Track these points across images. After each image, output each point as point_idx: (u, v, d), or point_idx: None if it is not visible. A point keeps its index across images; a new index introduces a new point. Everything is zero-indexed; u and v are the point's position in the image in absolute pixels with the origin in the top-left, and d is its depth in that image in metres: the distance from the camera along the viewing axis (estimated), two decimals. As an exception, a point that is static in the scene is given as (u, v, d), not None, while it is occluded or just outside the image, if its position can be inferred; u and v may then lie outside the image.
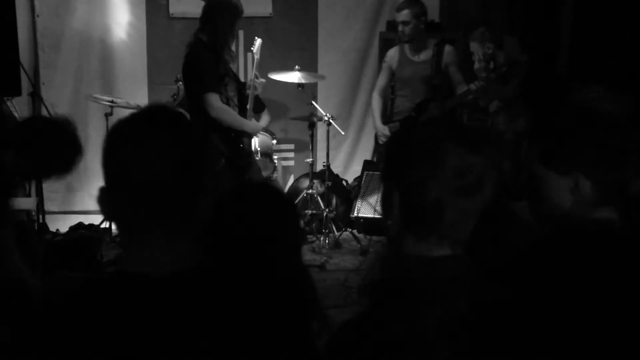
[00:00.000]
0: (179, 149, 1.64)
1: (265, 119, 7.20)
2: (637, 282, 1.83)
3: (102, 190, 1.63)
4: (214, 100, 5.30)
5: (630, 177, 1.95)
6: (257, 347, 1.67)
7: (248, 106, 5.75)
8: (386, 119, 6.51)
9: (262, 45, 6.13)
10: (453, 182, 1.67)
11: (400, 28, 6.38)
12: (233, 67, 5.75)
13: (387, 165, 1.83)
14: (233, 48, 5.79)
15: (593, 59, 6.45)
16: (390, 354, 1.66)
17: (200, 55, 5.35)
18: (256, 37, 6.13)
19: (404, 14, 6.30)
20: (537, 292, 1.83)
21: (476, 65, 6.38)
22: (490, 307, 1.71)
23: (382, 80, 6.68)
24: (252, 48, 6.08)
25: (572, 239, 1.92)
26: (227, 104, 5.44)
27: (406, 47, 6.39)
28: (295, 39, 7.62)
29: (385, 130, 6.38)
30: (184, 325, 1.61)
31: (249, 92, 5.79)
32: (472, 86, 6.05)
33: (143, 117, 1.71)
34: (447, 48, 6.36)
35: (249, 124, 5.70)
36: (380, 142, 6.50)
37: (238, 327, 1.66)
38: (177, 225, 1.66)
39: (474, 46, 6.37)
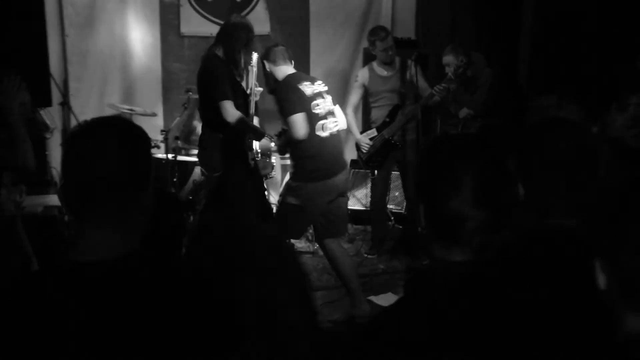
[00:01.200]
0: (120, 149, 1.69)
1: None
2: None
3: (60, 186, 1.86)
4: (230, 107, 5.31)
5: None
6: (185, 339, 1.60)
7: (251, 112, 5.89)
8: (364, 127, 6.73)
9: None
10: (472, 198, 1.69)
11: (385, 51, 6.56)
12: (243, 80, 5.81)
13: (416, 179, 1.86)
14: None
15: (550, 71, 6.86)
16: (410, 347, 1.67)
17: (216, 67, 5.37)
18: (254, 53, 6.22)
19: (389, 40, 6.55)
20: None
21: (449, 76, 6.54)
22: (496, 308, 1.71)
23: (354, 98, 6.82)
24: (251, 62, 6.18)
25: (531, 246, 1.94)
26: (238, 110, 5.49)
27: (374, 65, 6.61)
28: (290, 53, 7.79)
29: (365, 139, 6.58)
30: (115, 311, 1.59)
31: (251, 99, 5.91)
32: (436, 88, 6.26)
33: (89, 124, 1.76)
34: (410, 63, 6.49)
35: (258, 128, 5.85)
36: (363, 150, 6.63)
37: (168, 318, 1.59)
38: (116, 218, 1.69)
39: (449, 59, 6.56)
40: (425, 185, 1.80)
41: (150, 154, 1.83)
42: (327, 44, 8.13)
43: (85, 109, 7.33)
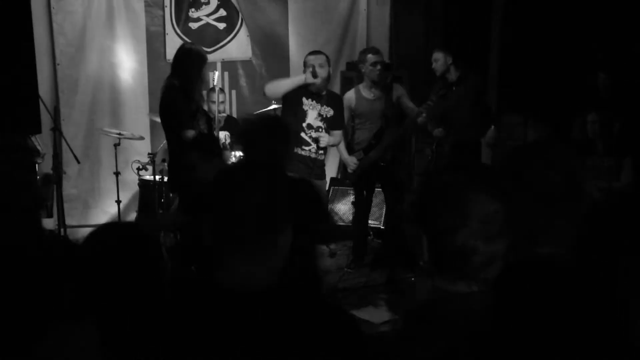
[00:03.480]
0: (266, 192, 1.66)
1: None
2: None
3: (207, 218, 1.69)
4: (191, 135, 5.19)
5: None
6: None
7: (216, 133, 5.77)
8: (349, 149, 6.45)
9: (244, 82, 6.23)
10: (479, 230, 1.57)
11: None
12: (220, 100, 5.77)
13: (416, 211, 1.72)
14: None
15: (518, 89, 6.70)
16: None
17: (174, 97, 5.25)
18: (214, 71, 6.19)
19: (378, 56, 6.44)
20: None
21: (438, 71, 6.58)
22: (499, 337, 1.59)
23: None
24: (212, 81, 6.11)
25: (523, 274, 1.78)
26: (201, 135, 5.34)
27: (361, 88, 6.39)
28: (271, 77, 7.48)
29: (353, 160, 6.33)
30: (272, 340, 1.58)
31: (214, 121, 5.83)
32: (420, 109, 6.16)
33: (240, 166, 1.82)
34: (395, 85, 6.38)
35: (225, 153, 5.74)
36: (350, 170, 6.41)
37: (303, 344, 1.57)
38: (258, 255, 1.66)
39: (439, 55, 6.54)
40: (429, 218, 1.66)
41: (292, 199, 1.78)
42: None
43: (77, 134, 7.27)
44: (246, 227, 1.63)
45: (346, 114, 6.38)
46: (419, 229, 1.70)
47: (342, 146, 6.34)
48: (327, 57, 5.62)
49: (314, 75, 5.44)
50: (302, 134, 5.56)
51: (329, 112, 5.62)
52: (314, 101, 5.57)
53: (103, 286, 1.99)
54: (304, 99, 5.54)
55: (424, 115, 6.22)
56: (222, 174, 1.74)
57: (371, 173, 6.38)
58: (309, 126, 5.59)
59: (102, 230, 2.09)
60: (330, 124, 5.67)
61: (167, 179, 5.92)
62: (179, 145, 5.24)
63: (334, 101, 5.72)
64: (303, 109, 5.55)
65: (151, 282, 1.99)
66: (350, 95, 6.47)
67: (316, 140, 5.57)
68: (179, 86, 5.30)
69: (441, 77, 6.65)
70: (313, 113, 5.57)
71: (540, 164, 1.87)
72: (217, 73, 6.25)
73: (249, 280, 1.63)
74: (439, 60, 6.61)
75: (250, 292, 1.61)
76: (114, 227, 2.20)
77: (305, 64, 5.59)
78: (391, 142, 6.30)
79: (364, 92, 6.41)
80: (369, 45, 7.95)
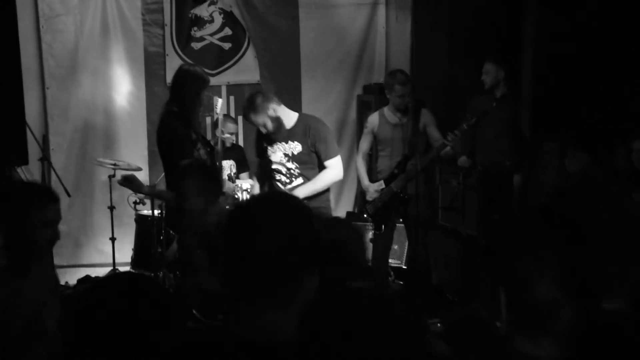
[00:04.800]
0: (288, 231, 1.65)
1: (246, 180, 6.93)
2: None
3: (219, 261, 1.66)
4: None
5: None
6: None
7: (217, 162, 5.68)
8: (370, 177, 6.29)
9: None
10: (567, 280, 1.50)
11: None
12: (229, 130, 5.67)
13: (491, 264, 1.65)
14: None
15: (553, 112, 6.46)
16: None
17: (173, 125, 5.22)
18: (217, 98, 6.07)
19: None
20: None
21: (487, 84, 6.38)
22: None
23: (365, 145, 6.37)
24: (215, 109, 6.01)
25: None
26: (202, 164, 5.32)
27: (385, 111, 6.21)
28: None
29: (373, 188, 6.13)
30: None
31: (217, 147, 5.70)
32: (447, 139, 5.85)
33: (258, 203, 1.78)
34: (424, 110, 6.20)
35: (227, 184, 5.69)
36: (369, 198, 6.20)
37: None
38: (282, 300, 1.65)
39: (490, 67, 6.37)
40: (510, 270, 1.56)
41: (318, 237, 1.74)
42: (319, 91, 7.98)
43: (67, 164, 7.16)
44: (267, 271, 1.61)
45: (369, 139, 6.26)
46: (495, 282, 1.62)
47: (362, 171, 6.22)
48: (264, 103, 5.23)
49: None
50: (275, 182, 5.41)
51: (295, 147, 5.27)
52: (276, 143, 5.32)
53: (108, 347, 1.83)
54: (265, 145, 5.37)
55: (448, 148, 5.93)
56: (238, 211, 1.73)
57: (392, 206, 6.11)
58: (277, 171, 5.38)
59: (103, 288, 1.92)
60: (305, 159, 5.30)
61: (165, 214, 5.85)
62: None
63: (302, 132, 5.32)
64: (267, 157, 5.38)
65: (164, 342, 1.86)
66: (373, 119, 6.31)
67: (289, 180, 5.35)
68: (177, 112, 5.25)
69: (489, 91, 6.44)
70: (277, 155, 5.33)
71: (592, 212, 1.83)
72: (220, 101, 6.04)
73: (272, 330, 1.63)
74: (490, 73, 6.41)
75: (274, 345, 1.61)
76: (117, 283, 1.99)
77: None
78: (416, 174, 5.99)
79: (389, 116, 6.22)
80: (388, 66, 7.86)
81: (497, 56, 6.43)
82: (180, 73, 5.41)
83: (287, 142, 5.27)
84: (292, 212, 1.71)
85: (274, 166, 5.35)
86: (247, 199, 1.76)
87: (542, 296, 1.49)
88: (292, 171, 5.28)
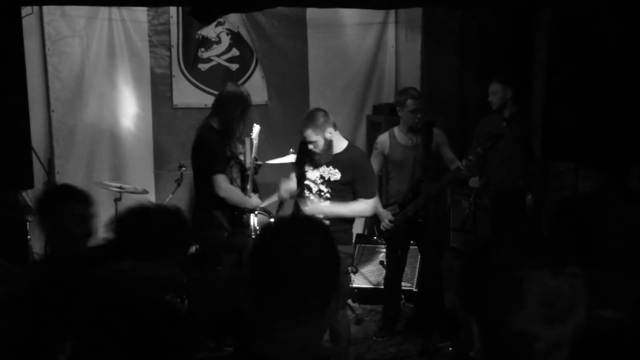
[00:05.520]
0: (316, 252, 1.70)
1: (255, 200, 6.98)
2: None
3: (247, 283, 1.71)
4: (222, 181, 5.28)
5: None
6: None
7: (248, 186, 5.72)
8: (383, 200, 6.18)
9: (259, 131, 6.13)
10: (540, 313, 1.43)
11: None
12: (238, 151, 5.70)
13: (464, 296, 1.60)
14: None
15: (565, 131, 6.43)
16: None
17: (210, 139, 5.34)
18: (255, 124, 6.09)
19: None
20: None
21: (495, 104, 6.39)
22: None
23: (374, 166, 6.01)
24: (251, 134, 6.04)
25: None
26: (231, 184, 5.45)
27: (396, 132, 6.15)
28: (289, 123, 7.54)
29: (389, 216, 6.02)
30: None
31: (248, 173, 5.77)
32: (462, 163, 5.86)
33: (290, 225, 1.81)
34: (436, 130, 6.02)
35: (251, 201, 5.62)
36: (383, 227, 6.09)
37: None
38: (311, 322, 1.69)
39: (497, 87, 6.37)
40: (479, 299, 1.52)
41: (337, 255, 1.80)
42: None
43: None
44: (301, 292, 1.65)
45: (379, 160, 6.19)
46: (468, 316, 1.56)
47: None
48: (325, 123, 5.07)
49: (281, 200, 5.48)
50: (302, 195, 5.34)
51: (334, 174, 5.10)
52: (318, 162, 5.22)
53: None
54: (307, 160, 5.29)
55: (463, 171, 5.94)
56: (269, 233, 1.78)
57: (407, 230, 6.11)
58: (308, 187, 5.27)
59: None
60: (339, 187, 5.13)
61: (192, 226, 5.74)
62: (208, 191, 5.32)
63: (346, 163, 5.14)
64: (304, 170, 5.31)
65: None
66: (383, 139, 6.25)
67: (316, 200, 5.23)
68: (216, 128, 5.40)
69: (497, 112, 6.46)
70: (314, 174, 5.21)
71: (602, 223, 1.85)
72: (257, 127, 6.07)
73: (299, 351, 1.67)
74: (497, 93, 6.43)
75: None
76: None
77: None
78: (430, 197, 5.97)
79: (399, 137, 6.17)
80: (398, 86, 7.90)
81: (504, 76, 6.44)
82: (226, 92, 5.52)
83: (327, 166, 5.11)
84: (323, 235, 1.76)
85: (306, 182, 5.25)
86: (275, 222, 1.86)
87: (514, 330, 1.45)
88: (322, 193, 5.14)
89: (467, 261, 1.66)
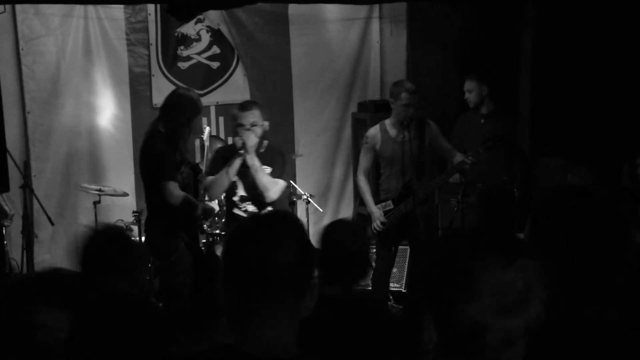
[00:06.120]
0: (295, 247, 1.76)
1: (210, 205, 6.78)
2: None
3: (224, 275, 1.76)
4: (174, 188, 5.20)
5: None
6: None
7: (201, 191, 5.69)
8: (375, 198, 6.10)
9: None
10: (491, 303, 1.44)
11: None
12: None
13: (422, 282, 1.64)
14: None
15: (554, 127, 6.43)
16: None
17: (157, 145, 5.27)
18: (206, 126, 6.14)
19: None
20: None
21: (472, 102, 6.41)
22: None
23: (365, 162, 6.14)
24: (202, 135, 6.07)
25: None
26: (184, 189, 5.36)
27: (387, 125, 6.03)
28: (272, 122, 7.36)
29: (381, 217, 5.95)
30: None
31: (200, 176, 5.74)
32: (468, 159, 5.82)
33: (262, 220, 1.90)
34: (428, 123, 6.02)
35: (207, 207, 5.71)
36: (375, 227, 6.00)
37: None
38: (287, 315, 1.76)
39: (471, 84, 6.37)
40: (434, 290, 1.54)
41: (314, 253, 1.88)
42: (312, 109, 8.00)
43: (50, 191, 7.03)
44: (279, 286, 1.71)
45: (369, 156, 6.07)
46: (423, 305, 1.59)
47: (367, 194, 6.06)
48: (260, 108, 5.42)
49: (242, 147, 5.30)
50: (235, 210, 5.49)
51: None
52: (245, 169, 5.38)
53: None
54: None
55: (467, 166, 5.89)
56: (242, 229, 1.82)
57: (402, 230, 6.01)
58: (242, 198, 5.46)
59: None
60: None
61: (144, 238, 5.83)
62: (158, 199, 5.26)
63: (272, 158, 5.51)
64: (234, 182, 5.43)
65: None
66: (374, 134, 6.09)
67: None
68: (164, 133, 5.30)
69: (475, 109, 6.48)
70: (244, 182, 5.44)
71: (585, 216, 1.84)
72: (208, 129, 6.13)
73: (275, 345, 1.72)
74: (472, 90, 6.44)
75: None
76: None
77: (236, 121, 5.40)
78: (426, 194, 5.98)
79: (391, 131, 6.01)
80: (383, 82, 7.94)
81: (479, 73, 6.42)
82: (174, 96, 5.47)
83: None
84: (299, 229, 1.83)
85: (237, 195, 5.51)
86: (250, 218, 2.07)
87: (466, 322, 1.46)
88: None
89: (429, 253, 1.71)
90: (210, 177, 5.42)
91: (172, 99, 5.43)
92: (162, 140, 5.26)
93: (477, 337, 1.45)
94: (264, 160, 5.38)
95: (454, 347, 1.51)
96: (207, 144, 5.95)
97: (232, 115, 5.46)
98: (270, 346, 1.72)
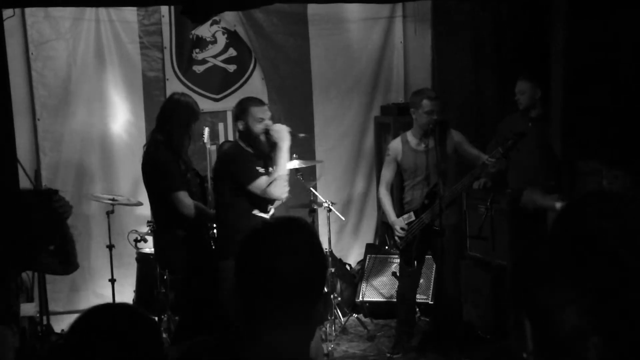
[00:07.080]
0: (307, 253, 1.79)
1: None
2: None
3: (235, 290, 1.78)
4: (184, 198, 5.23)
5: None
6: None
7: (209, 197, 5.69)
8: (398, 210, 6.15)
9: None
10: (595, 305, 1.43)
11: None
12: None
13: (514, 293, 1.65)
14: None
15: (588, 130, 6.35)
16: None
17: (160, 155, 5.31)
18: (204, 127, 6.15)
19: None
20: None
21: (523, 105, 6.29)
22: None
23: (387, 174, 6.20)
24: (202, 139, 6.07)
25: None
26: (192, 197, 5.35)
27: (409, 137, 6.08)
28: (292, 127, 7.35)
29: (401, 224, 5.98)
30: None
31: (207, 183, 5.76)
32: (491, 160, 5.72)
33: (274, 228, 1.88)
34: (452, 131, 6.05)
35: (212, 214, 5.63)
36: (397, 237, 6.04)
37: None
38: (299, 324, 1.78)
39: (525, 86, 6.27)
40: (530, 296, 1.52)
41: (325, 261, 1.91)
42: (333, 114, 7.96)
43: None
44: (292, 295, 1.73)
45: (391, 168, 6.12)
46: (519, 315, 1.59)
47: (387, 205, 6.08)
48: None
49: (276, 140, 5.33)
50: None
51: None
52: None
53: None
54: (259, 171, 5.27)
55: (488, 167, 5.79)
56: (253, 236, 1.82)
57: (426, 241, 6.00)
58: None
59: (91, 314, 1.95)
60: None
61: (154, 252, 5.88)
62: (167, 211, 5.28)
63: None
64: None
65: None
66: (396, 146, 6.15)
67: None
68: (164, 141, 5.35)
69: (523, 112, 6.36)
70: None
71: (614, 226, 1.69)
72: (207, 130, 6.16)
73: (287, 354, 1.73)
74: (525, 92, 6.30)
75: None
76: (105, 310, 2.05)
77: (251, 117, 5.32)
78: (452, 198, 5.92)
79: (412, 142, 6.07)
80: (407, 84, 7.88)
81: (532, 74, 6.29)
82: (170, 102, 5.52)
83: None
84: (310, 238, 1.84)
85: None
86: (261, 226, 1.88)
87: (567, 326, 1.45)
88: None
89: (516, 259, 1.69)
90: (265, 178, 5.19)
91: (169, 106, 5.49)
92: (163, 150, 5.30)
93: (579, 345, 1.44)
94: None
95: (553, 355, 1.50)
96: (208, 145, 5.99)
97: (241, 109, 5.34)
98: (279, 357, 1.74)
